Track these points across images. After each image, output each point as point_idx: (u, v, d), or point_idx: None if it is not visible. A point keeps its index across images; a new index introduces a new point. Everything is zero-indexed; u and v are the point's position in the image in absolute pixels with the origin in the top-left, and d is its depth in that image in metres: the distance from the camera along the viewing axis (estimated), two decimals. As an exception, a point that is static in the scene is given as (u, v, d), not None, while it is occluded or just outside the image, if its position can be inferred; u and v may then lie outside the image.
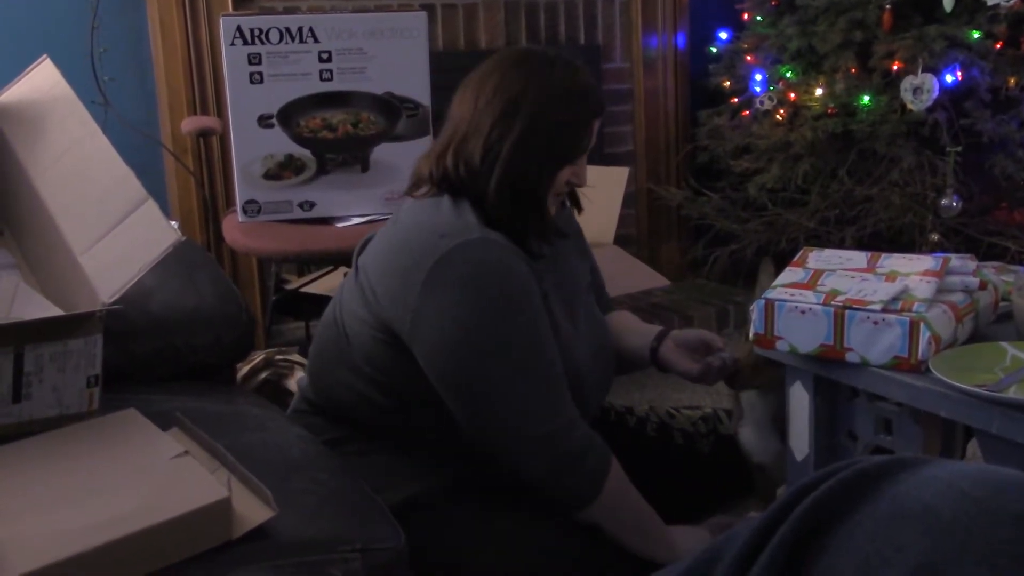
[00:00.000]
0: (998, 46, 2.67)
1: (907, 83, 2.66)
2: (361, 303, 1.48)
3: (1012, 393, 1.18)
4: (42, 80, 1.46)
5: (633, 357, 1.73)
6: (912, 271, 1.41)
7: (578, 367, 1.51)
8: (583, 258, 1.73)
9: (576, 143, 1.49)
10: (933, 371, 1.23)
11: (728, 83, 3.34)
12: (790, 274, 1.47)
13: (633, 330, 1.76)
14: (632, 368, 1.78)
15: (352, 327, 1.50)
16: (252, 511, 1.01)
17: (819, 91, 2.91)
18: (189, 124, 2.62)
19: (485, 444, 1.44)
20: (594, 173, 2.88)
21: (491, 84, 1.48)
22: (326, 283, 2.81)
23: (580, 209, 1.67)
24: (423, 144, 2.32)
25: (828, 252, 1.54)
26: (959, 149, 2.57)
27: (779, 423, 1.65)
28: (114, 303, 1.19)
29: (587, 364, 1.55)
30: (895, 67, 2.72)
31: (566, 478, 1.43)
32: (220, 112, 2.75)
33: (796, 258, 1.52)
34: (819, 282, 1.42)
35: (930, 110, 2.66)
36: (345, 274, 1.71)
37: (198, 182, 2.83)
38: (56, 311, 1.22)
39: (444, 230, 1.41)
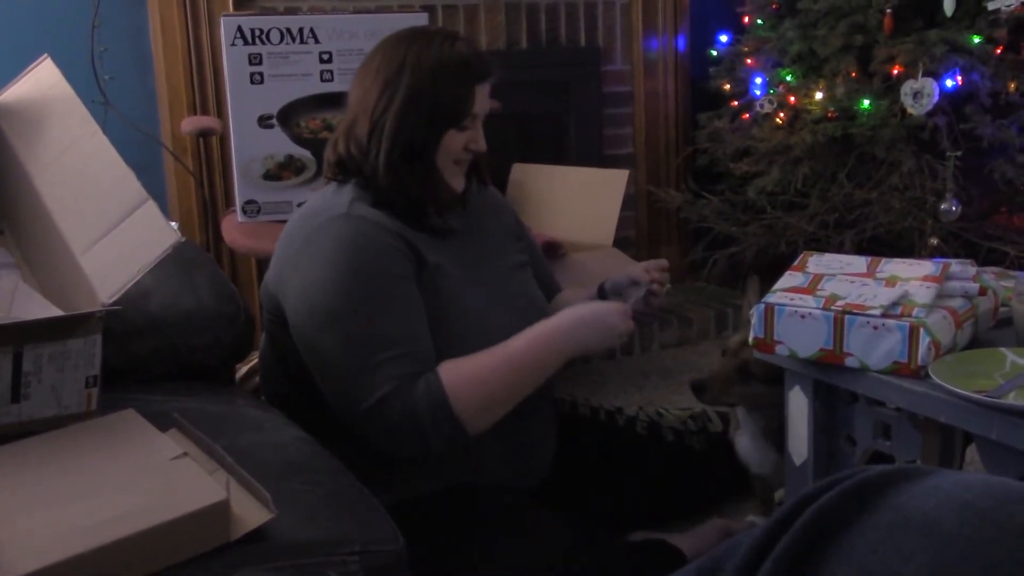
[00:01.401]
0: (998, 51, 2.67)
1: (907, 87, 2.66)
2: (266, 299, 1.57)
3: (1011, 399, 1.18)
4: (42, 79, 1.46)
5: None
6: (912, 276, 1.41)
7: (494, 340, 1.51)
8: (514, 239, 1.75)
9: (458, 108, 1.53)
10: (932, 376, 1.23)
11: (728, 86, 3.34)
12: (790, 278, 1.47)
13: (575, 297, 1.79)
14: None
15: (266, 326, 1.60)
16: (250, 513, 1.00)
17: (819, 95, 2.91)
18: (189, 124, 2.62)
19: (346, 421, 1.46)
20: (594, 175, 2.89)
21: (374, 64, 1.55)
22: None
23: (485, 182, 1.71)
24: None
25: (828, 256, 1.54)
26: (959, 154, 2.57)
27: (773, 435, 1.65)
28: (113, 303, 1.19)
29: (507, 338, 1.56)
30: (895, 71, 2.72)
31: (423, 441, 1.42)
32: (220, 112, 2.75)
33: (796, 262, 1.52)
34: (819, 287, 1.42)
35: (930, 114, 2.66)
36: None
37: (198, 182, 2.82)
38: (55, 311, 1.21)
39: (317, 210, 1.52)
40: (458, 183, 1.59)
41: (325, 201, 1.54)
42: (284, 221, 2.43)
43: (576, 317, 1.50)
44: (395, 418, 1.40)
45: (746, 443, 1.72)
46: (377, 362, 1.40)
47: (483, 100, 1.56)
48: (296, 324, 1.48)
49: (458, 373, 1.43)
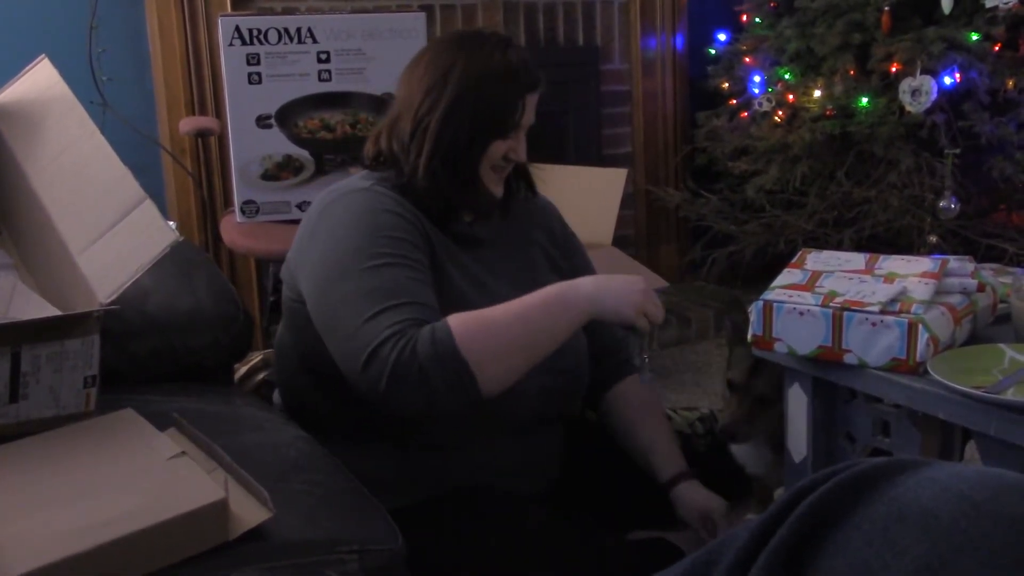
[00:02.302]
0: (997, 48, 2.68)
1: (905, 85, 2.66)
2: (287, 278, 1.54)
3: (1010, 395, 1.18)
4: (40, 80, 1.46)
5: (643, 463, 1.69)
6: (910, 273, 1.41)
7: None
8: (550, 256, 1.71)
9: (505, 117, 1.50)
10: (931, 373, 1.23)
11: (727, 85, 3.34)
12: (788, 275, 1.47)
13: (658, 450, 1.71)
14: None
15: (285, 308, 1.56)
16: (249, 512, 1.00)
17: (817, 93, 2.91)
18: (187, 124, 2.62)
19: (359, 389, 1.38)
20: (593, 174, 2.89)
21: (423, 64, 1.53)
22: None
23: (534, 191, 1.68)
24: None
25: (826, 254, 1.54)
26: (957, 151, 2.58)
27: (771, 441, 1.64)
28: (111, 303, 1.19)
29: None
30: (894, 69, 2.72)
31: (428, 387, 1.32)
32: (218, 112, 2.75)
33: (794, 260, 1.52)
34: (817, 283, 1.42)
35: (928, 112, 2.66)
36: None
37: (196, 182, 2.82)
38: (53, 311, 1.21)
39: (339, 187, 1.51)
40: (497, 190, 1.56)
41: (349, 181, 1.54)
42: (282, 221, 2.43)
43: (597, 278, 1.46)
44: (395, 360, 1.30)
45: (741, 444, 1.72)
46: (381, 309, 1.34)
47: (530, 112, 1.53)
48: (310, 291, 1.45)
49: (466, 318, 1.35)
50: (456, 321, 1.34)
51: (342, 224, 1.44)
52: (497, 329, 1.37)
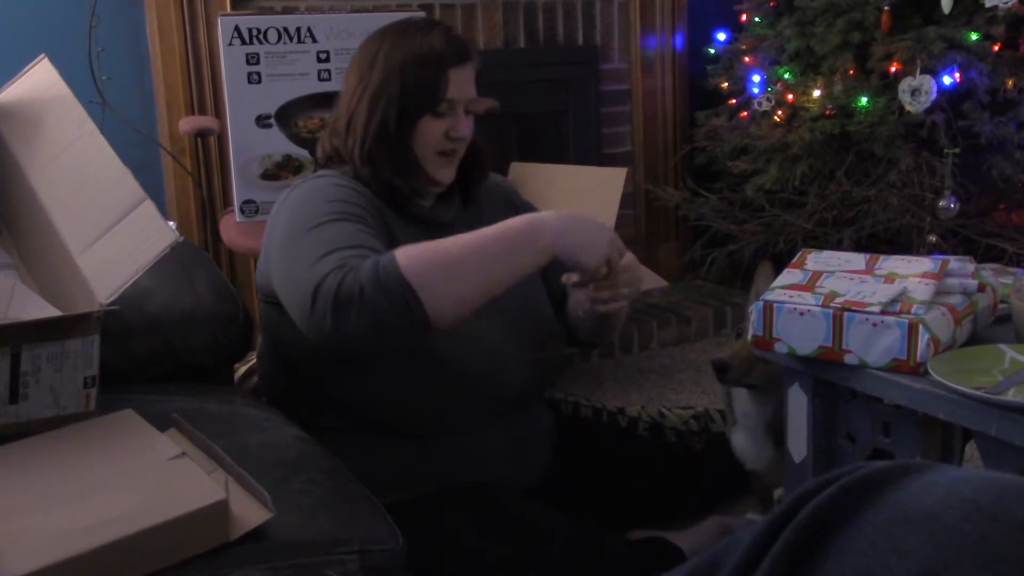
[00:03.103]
0: (996, 48, 2.68)
1: (905, 84, 2.66)
2: (258, 276, 1.58)
3: (1011, 395, 1.18)
4: (40, 79, 1.46)
5: (577, 322, 1.71)
6: (911, 273, 1.41)
7: (467, 343, 1.50)
8: None
9: (430, 93, 1.53)
10: (932, 373, 1.23)
11: (726, 84, 3.34)
12: (789, 276, 1.47)
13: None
14: (594, 333, 1.75)
15: (261, 314, 1.60)
16: (249, 512, 1.00)
17: (817, 92, 2.91)
18: (187, 124, 2.62)
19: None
20: (592, 173, 2.89)
21: (353, 62, 1.60)
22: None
23: (484, 172, 1.69)
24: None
25: (827, 254, 1.54)
26: (957, 151, 2.58)
27: (772, 430, 1.64)
28: (111, 303, 1.19)
29: (498, 340, 1.55)
30: (893, 68, 2.72)
31: (375, 317, 1.26)
32: (218, 112, 2.74)
33: (795, 260, 1.52)
34: (818, 284, 1.42)
35: (928, 111, 2.66)
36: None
37: (196, 182, 2.82)
38: (53, 311, 1.21)
39: (297, 182, 1.57)
40: (445, 174, 1.58)
41: (307, 176, 1.61)
42: (282, 221, 2.43)
43: (567, 217, 1.40)
44: (336, 289, 1.26)
45: (742, 439, 1.72)
46: (326, 253, 1.33)
47: (460, 86, 1.55)
48: (273, 268, 1.45)
49: (414, 247, 1.31)
50: (403, 250, 1.30)
51: (297, 205, 1.48)
52: (447, 256, 1.31)
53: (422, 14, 2.42)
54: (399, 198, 1.56)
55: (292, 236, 1.42)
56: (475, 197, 1.68)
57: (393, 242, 1.48)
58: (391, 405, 1.51)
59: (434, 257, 1.30)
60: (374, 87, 1.54)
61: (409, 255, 1.29)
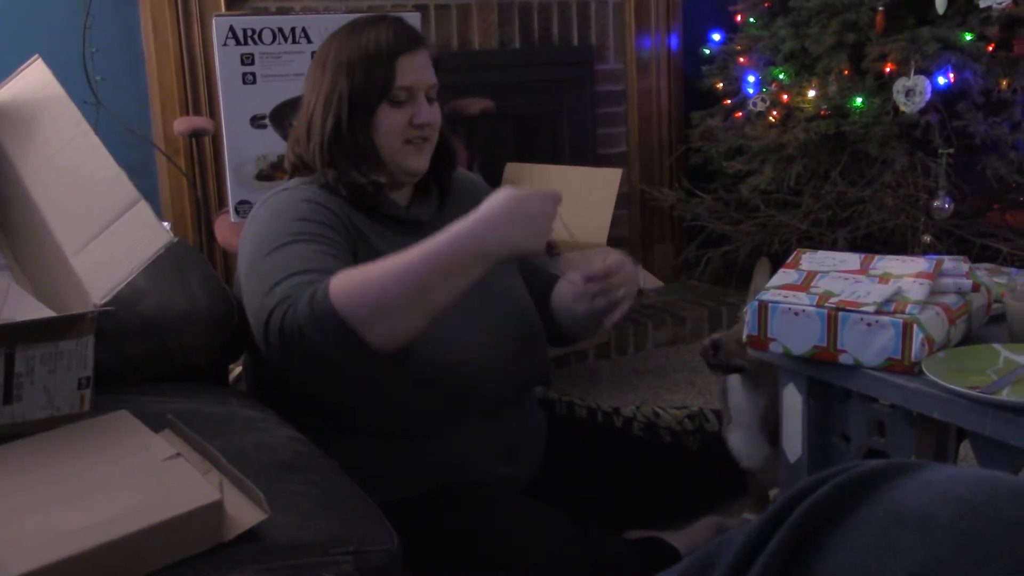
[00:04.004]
0: (990, 48, 2.68)
1: (900, 85, 2.67)
2: (236, 288, 1.58)
3: (1005, 395, 1.19)
4: (34, 80, 1.45)
5: (573, 315, 1.69)
6: (905, 273, 1.41)
7: (445, 340, 1.50)
8: None
9: (379, 83, 1.53)
10: (926, 373, 1.23)
11: (721, 84, 3.34)
12: (783, 276, 1.47)
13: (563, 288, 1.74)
14: (582, 330, 1.74)
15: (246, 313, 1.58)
16: (244, 513, 1.00)
17: (812, 93, 2.92)
18: (181, 124, 2.61)
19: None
20: (587, 174, 2.89)
21: (310, 66, 1.62)
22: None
23: (452, 162, 1.69)
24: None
25: (821, 254, 1.54)
26: (951, 151, 2.58)
27: (767, 427, 1.65)
28: (106, 304, 1.19)
29: (479, 339, 1.54)
30: (888, 69, 2.73)
31: (312, 346, 1.29)
32: (213, 112, 2.74)
33: (789, 260, 1.52)
34: (812, 284, 1.42)
35: (922, 112, 2.66)
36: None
37: (190, 183, 2.82)
38: (47, 312, 1.21)
39: (265, 195, 1.56)
40: (416, 161, 1.57)
41: (276, 187, 1.59)
42: (277, 221, 2.43)
43: (484, 216, 1.35)
44: (279, 327, 1.30)
45: (737, 437, 1.72)
46: (276, 282, 1.36)
47: (414, 72, 1.55)
48: (238, 286, 1.50)
49: (347, 276, 1.32)
50: (336, 280, 1.30)
51: (260, 223, 1.49)
52: (381, 290, 1.30)
53: (417, 15, 2.42)
54: (367, 198, 1.55)
55: (252, 261, 1.45)
56: (450, 193, 1.68)
57: (368, 248, 1.49)
58: (375, 408, 1.51)
59: (367, 291, 1.29)
60: (327, 88, 1.54)
61: (341, 289, 1.29)
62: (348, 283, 1.30)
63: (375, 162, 1.56)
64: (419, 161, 1.58)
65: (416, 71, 1.55)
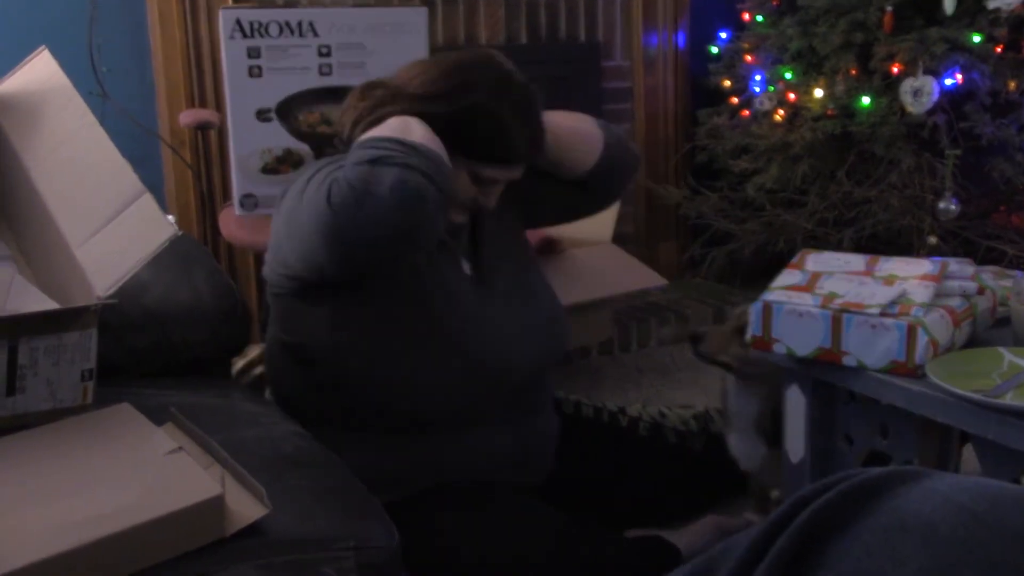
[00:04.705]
0: (999, 49, 2.67)
1: (907, 85, 2.66)
2: (268, 274, 1.54)
3: (1009, 399, 1.18)
4: (39, 71, 1.45)
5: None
6: (910, 275, 1.41)
7: (492, 322, 1.52)
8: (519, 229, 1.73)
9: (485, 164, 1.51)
10: (930, 376, 1.23)
11: (728, 83, 3.33)
12: (788, 276, 1.46)
13: None
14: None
15: (272, 304, 1.58)
16: (245, 508, 1.00)
17: (819, 92, 2.91)
18: (187, 117, 2.61)
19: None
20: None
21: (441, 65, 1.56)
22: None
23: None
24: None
25: (827, 254, 1.54)
26: (958, 152, 2.57)
27: (762, 428, 1.65)
28: (109, 297, 1.19)
29: (505, 323, 1.55)
30: (895, 69, 2.72)
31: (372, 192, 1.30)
32: (219, 105, 2.74)
33: (794, 260, 1.52)
34: (817, 284, 1.42)
35: (930, 113, 2.65)
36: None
37: (196, 175, 2.82)
38: (51, 304, 1.21)
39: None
40: (456, 218, 1.56)
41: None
42: (282, 215, 2.43)
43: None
44: (346, 185, 1.31)
45: (735, 439, 1.72)
46: (316, 184, 1.38)
47: (508, 172, 1.55)
48: (280, 241, 1.47)
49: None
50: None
51: (301, 179, 1.46)
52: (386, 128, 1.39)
53: (424, 10, 2.41)
54: None
55: (295, 197, 1.43)
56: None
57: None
58: (402, 391, 1.50)
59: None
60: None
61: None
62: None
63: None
64: (492, 200, 1.57)
65: (511, 172, 1.54)
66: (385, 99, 1.47)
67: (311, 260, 1.38)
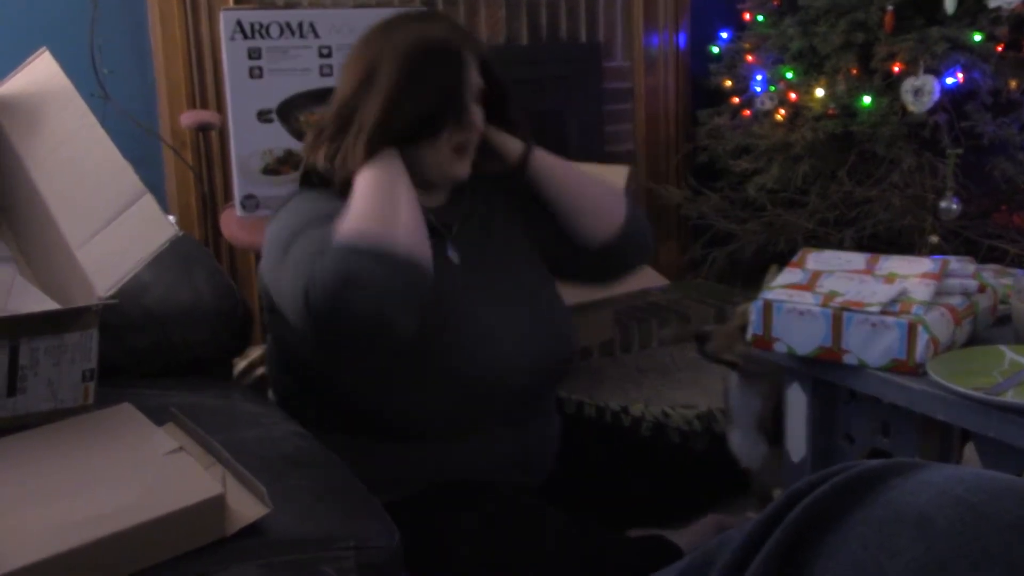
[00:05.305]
0: (999, 48, 2.67)
1: (908, 85, 2.66)
2: (259, 283, 1.56)
3: (1010, 396, 1.18)
4: (40, 72, 1.45)
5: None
6: (911, 273, 1.41)
7: (490, 337, 1.50)
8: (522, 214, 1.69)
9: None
10: (931, 374, 1.23)
11: (729, 83, 3.33)
12: (789, 275, 1.46)
13: None
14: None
15: (266, 319, 1.58)
16: (246, 508, 1.00)
17: (820, 92, 2.91)
18: (188, 118, 2.61)
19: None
20: (594, 171, 2.88)
21: (349, 59, 1.62)
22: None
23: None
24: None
25: (827, 253, 1.54)
26: (959, 151, 2.57)
27: (764, 426, 1.65)
28: (110, 297, 1.19)
29: (503, 337, 1.53)
30: (896, 69, 2.72)
31: (357, 289, 1.27)
32: (219, 106, 2.74)
33: (795, 259, 1.52)
34: (818, 283, 1.42)
35: (931, 112, 2.65)
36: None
37: (197, 176, 2.82)
38: (52, 305, 1.21)
39: (285, 200, 1.55)
40: (461, 169, 1.53)
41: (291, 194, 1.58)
42: (283, 216, 2.43)
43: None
44: (324, 289, 1.27)
45: (737, 437, 1.72)
46: (311, 253, 1.34)
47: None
48: (267, 284, 1.47)
49: (341, 226, 1.35)
50: (339, 232, 1.32)
51: (288, 211, 1.48)
52: (367, 210, 1.36)
53: (425, 10, 2.41)
54: None
55: (279, 245, 1.41)
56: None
57: None
58: (400, 407, 1.49)
59: (353, 215, 1.35)
60: (378, 95, 1.49)
61: (347, 227, 1.32)
62: (344, 226, 1.33)
63: (412, 168, 1.49)
64: (464, 168, 1.54)
65: (459, 136, 1.52)
66: (334, 133, 1.51)
67: (298, 326, 1.37)
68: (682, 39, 3.57)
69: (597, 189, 1.66)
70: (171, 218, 1.30)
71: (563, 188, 1.62)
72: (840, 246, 2.76)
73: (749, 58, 3.20)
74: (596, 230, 1.62)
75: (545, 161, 1.62)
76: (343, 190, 1.45)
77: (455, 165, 1.53)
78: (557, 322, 1.64)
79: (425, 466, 1.53)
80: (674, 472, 1.83)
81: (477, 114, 1.53)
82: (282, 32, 2.33)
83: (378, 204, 1.37)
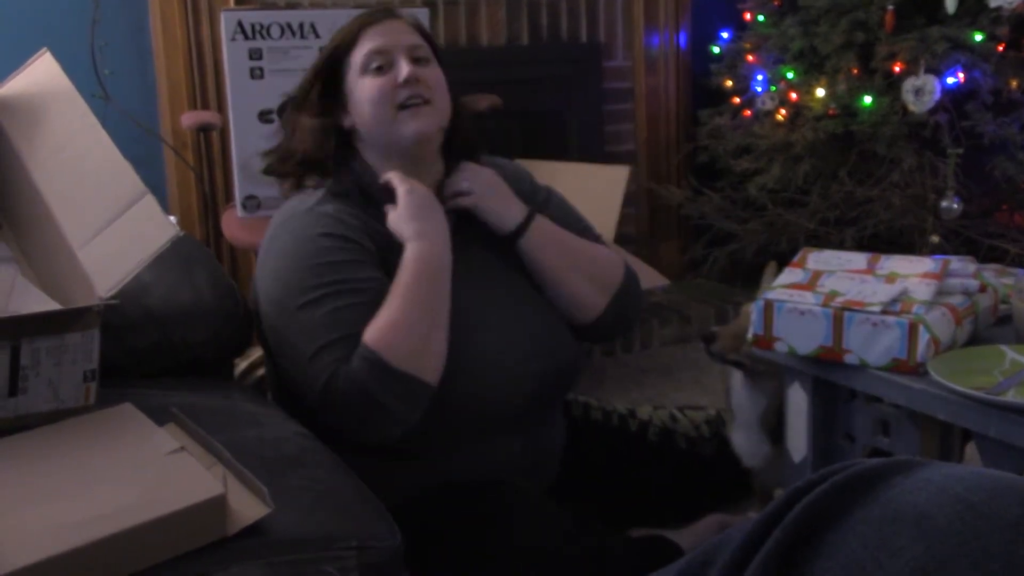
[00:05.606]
0: (1000, 48, 2.67)
1: (909, 84, 2.66)
2: (251, 296, 1.58)
3: (1011, 396, 1.18)
4: (41, 73, 1.45)
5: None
6: (912, 273, 1.41)
7: (484, 359, 1.50)
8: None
9: (342, 47, 1.56)
10: (932, 373, 1.23)
11: (729, 83, 3.33)
12: (789, 275, 1.46)
13: None
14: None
15: (260, 335, 1.59)
16: (247, 508, 1.00)
17: (820, 92, 2.91)
18: (189, 119, 2.62)
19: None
20: (595, 171, 2.89)
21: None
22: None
23: (472, 152, 1.67)
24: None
25: (828, 253, 1.54)
26: (960, 151, 2.57)
27: (767, 425, 1.64)
28: (111, 297, 1.19)
29: (498, 358, 1.52)
30: (897, 68, 2.72)
31: (383, 410, 1.39)
32: (220, 107, 2.74)
33: (796, 259, 1.52)
34: (818, 283, 1.42)
35: (931, 112, 2.65)
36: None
37: (198, 177, 2.82)
38: (53, 305, 1.21)
39: (287, 207, 1.57)
40: (414, 124, 1.52)
41: (299, 199, 1.57)
42: (284, 216, 2.43)
43: (412, 229, 1.48)
44: (345, 396, 1.38)
45: (740, 436, 1.72)
46: (316, 349, 1.40)
47: (385, 36, 1.54)
48: (259, 315, 1.52)
49: (377, 329, 1.40)
50: (371, 336, 1.39)
51: (282, 253, 1.49)
52: (404, 320, 1.40)
53: (425, 11, 2.42)
54: (383, 197, 1.52)
55: (280, 307, 1.46)
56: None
57: (399, 250, 1.48)
58: (381, 438, 1.48)
59: (399, 330, 1.40)
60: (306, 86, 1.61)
61: (381, 339, 1.39)
62: (381, 332, 1.39)
63: (377, 148, 1.55)
64: (417, 123, 1.52)
65: (388, 34, 1.54)
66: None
67: (303, 392, 1.45)
68: (683, 39, 3.57)
69: (584, 274, 1.62)
70: (172, 218, 1.30)
71: (548, 273, 1.61)
72: (841, 246, 2.76)
73: (750, 58, 3.20)
74: (574, 315, 1.64)
75: (538, 242, 1.60)
76: (322, 171, 1.56)
77: (406, 123, 1.52)
78: (558, 333, 1.63)
79: (426, 470, 1.53)
80: (679, 477, 1.82)
81: (409, 65, 1.53)
82: (283, 33, 2.34)
83: (416, 316, 1.41)
